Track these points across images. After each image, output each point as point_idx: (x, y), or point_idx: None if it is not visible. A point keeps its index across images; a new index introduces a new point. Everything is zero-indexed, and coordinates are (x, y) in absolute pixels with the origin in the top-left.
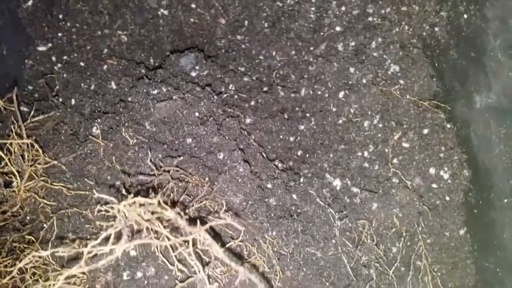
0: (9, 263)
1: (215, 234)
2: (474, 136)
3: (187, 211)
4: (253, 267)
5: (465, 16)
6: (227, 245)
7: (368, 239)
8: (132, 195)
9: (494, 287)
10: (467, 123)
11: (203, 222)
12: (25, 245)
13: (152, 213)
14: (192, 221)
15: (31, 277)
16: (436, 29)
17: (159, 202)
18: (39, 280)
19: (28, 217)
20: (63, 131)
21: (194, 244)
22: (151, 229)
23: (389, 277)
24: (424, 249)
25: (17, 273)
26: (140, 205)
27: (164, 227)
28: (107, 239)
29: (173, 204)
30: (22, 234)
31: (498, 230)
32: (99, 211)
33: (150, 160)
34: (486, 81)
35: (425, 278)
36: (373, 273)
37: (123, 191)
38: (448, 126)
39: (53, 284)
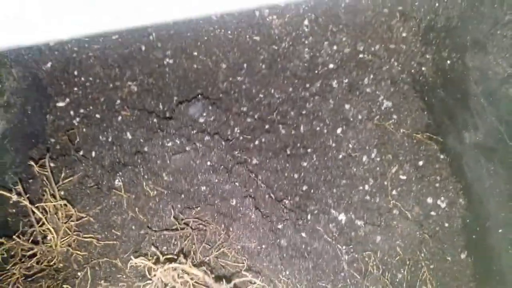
0: None
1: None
2: (467, 168)
3: (207, 259)
4: None
5: (448, 62)
6: None
7: (375, 269)
8: (167, 262)
9: None
10: (459, 156)
11: (227, 280)
12: None
13: (182, 271)
14: (218, 278)
15: None
16: (423, 68)
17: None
18: None
19: (61, 265)
20: (88, 185)
21: None
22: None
23: None
24: (428, 275)
25: None
26: (173, 269)
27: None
28: None
29: (201, 263)
30: (57, 282)
31: (496, 257)
32: (133, 265)
33: (173, 217)
34: (472, 121)
35: None
36: None
37: (156, 251)
38: (442, 156)
39: None
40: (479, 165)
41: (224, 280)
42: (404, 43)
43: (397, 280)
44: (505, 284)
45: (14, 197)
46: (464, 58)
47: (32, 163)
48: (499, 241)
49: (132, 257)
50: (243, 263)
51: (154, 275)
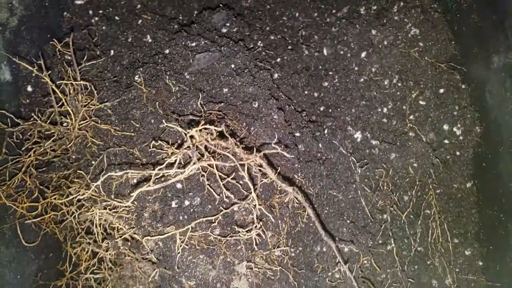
0: (55, 198)
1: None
2: (489, 95)
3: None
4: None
5: None
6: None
7: (385, 186)
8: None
9: (497, 231)
10: (482, 83)
11: (257, 151)
12: (73, 180)
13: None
14: (247, 149)
15: (76, 210)
16: None
17: (221, 131)
18: (91, 208)
19: (73, 156)
20: (107, 78)
21: (249, 168)
22: (214, 152)
23: (401, 222)
24: (433, 199)
25: (65, 206)
26: (207, 133)
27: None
28: (171, 164)
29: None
30: (69, 172)
31: (505, 180)
32: (154, 146)
33: (200, 104)
34: (506, 42)
35: (433, 224)
36: (388, 216)
37: (178, 127)
38: (463, 86)
39: (103, 211)
40: (503, 90)
41: (254, 149)
42: None
43: (404, 201)
44: (511, 205)
45: (35, 71)
46: None
47: (55, 41)
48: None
49: (163, 121)
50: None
51: (191, 137)
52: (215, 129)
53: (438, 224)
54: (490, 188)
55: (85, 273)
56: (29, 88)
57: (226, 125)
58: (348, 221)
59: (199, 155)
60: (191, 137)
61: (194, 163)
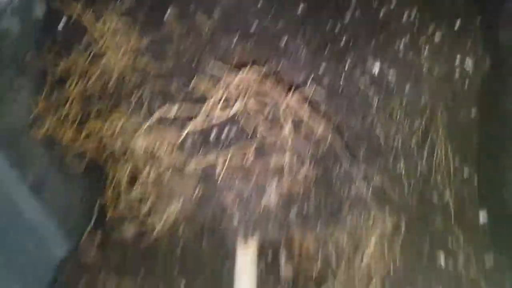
0: (98, 125)
1: None
2: (502, 32)
3: None
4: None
5: None
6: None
7: (398, 115)
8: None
9: (498, 154)
10: (496, 19)
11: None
12: (113, 111)
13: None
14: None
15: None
16: None
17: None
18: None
19: (112, 91)
20: (138, 16)
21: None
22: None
23: (410, 147)
24: (441, 125)
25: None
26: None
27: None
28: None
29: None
30: (110, 103)
31: (509, 108)
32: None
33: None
34: None
35: (439, 149)
36: (399, 142)
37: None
38: (478, 21)
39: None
40: None
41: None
42: None
43: (414, 127)
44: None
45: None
46: None
47: None
48: None
49: (209, 64)
50: None
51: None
52: (260, 71)
53: (443, 148)
54: (494, 114)
55: (126, 192)
56: (62, 25)
57: (261, 65)
58: (364, 148)
59: (239, 96)
60: (232, 80)
61: (237, 106)
